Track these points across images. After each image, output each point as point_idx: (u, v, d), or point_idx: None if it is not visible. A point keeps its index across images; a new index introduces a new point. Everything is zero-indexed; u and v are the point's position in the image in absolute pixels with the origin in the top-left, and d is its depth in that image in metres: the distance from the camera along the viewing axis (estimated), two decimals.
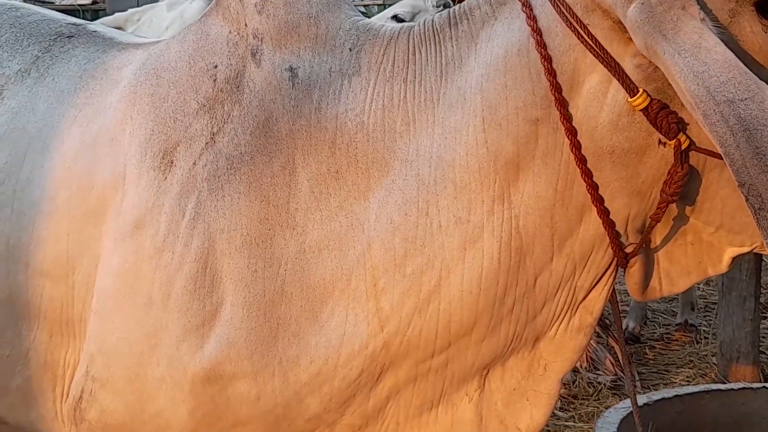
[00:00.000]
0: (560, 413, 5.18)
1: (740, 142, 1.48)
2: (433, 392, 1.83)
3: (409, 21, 6.29)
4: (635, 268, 1.80)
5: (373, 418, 1.84)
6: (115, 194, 1.84)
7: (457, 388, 1.84)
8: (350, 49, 1.81)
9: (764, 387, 3.41)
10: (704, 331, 6.26)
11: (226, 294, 1.75)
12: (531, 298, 1.77)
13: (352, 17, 1.86)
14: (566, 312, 1.81)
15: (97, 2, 14.90)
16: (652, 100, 1.63)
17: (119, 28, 6.41)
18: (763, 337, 5.91)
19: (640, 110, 1.63)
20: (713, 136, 1.50)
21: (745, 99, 1.49)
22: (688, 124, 1.64)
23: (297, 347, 1.76)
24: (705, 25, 1.55)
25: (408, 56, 1.79)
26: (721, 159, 1.53)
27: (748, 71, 1.51)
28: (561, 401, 5.27)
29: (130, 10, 6.78)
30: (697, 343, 6.12)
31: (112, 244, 1.83)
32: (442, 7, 6.53)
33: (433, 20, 1.83)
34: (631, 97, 1.63)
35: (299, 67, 1.80)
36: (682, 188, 1.66)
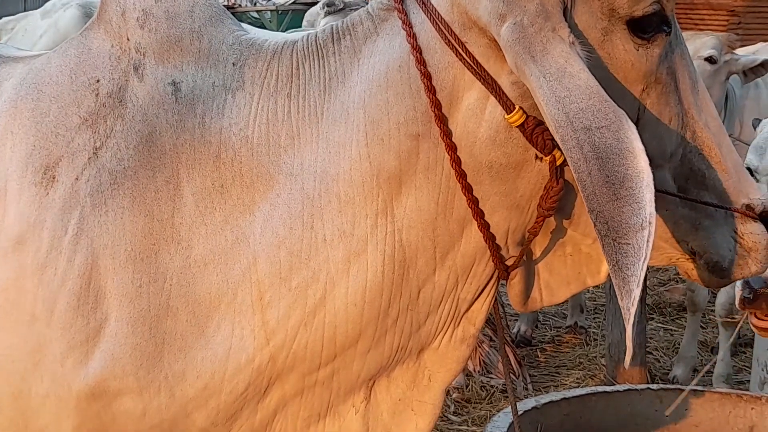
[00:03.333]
0: (453, 417, 5.24)
1: (592, 170, 1.52)
2: (320, 404, 1.85)
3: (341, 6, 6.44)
4: (516, 279, 1.84)
5: None
6: None
7: (343, 400, 1.86)
8: (234, 64, 1.81)
9: (648, 388, 3.49)
10: (593, 333, 6.40)
11: (110, 310, 1.74)
12: (415, 310, 1.80)
13: (235, 32, 1.86)
14: (450, 324, 1.84)
15: None
16: (528, 116, 1.66)
17: None
18: (650, 338, 6.06)
19: (517, 126, 1.66)
20: (569, 161, 1.55)
21: (602, 127, 1.53)
22: None
23: (183, 362, 1.75)
24: (573, 50, 1.58)
25: (291, 71, 1.80)
26: None
27: (609, 100, 1.55)
28: (454, 405, 5.33)
29: (4, 19, 6.67)
30: (587, 345, 6.25)
31: None
32: None
33: (316, 35, 1.84)
34: (507, 114, 1.65)
35: (182, 82, 1.79)
36: (558, 203, 1.70)
